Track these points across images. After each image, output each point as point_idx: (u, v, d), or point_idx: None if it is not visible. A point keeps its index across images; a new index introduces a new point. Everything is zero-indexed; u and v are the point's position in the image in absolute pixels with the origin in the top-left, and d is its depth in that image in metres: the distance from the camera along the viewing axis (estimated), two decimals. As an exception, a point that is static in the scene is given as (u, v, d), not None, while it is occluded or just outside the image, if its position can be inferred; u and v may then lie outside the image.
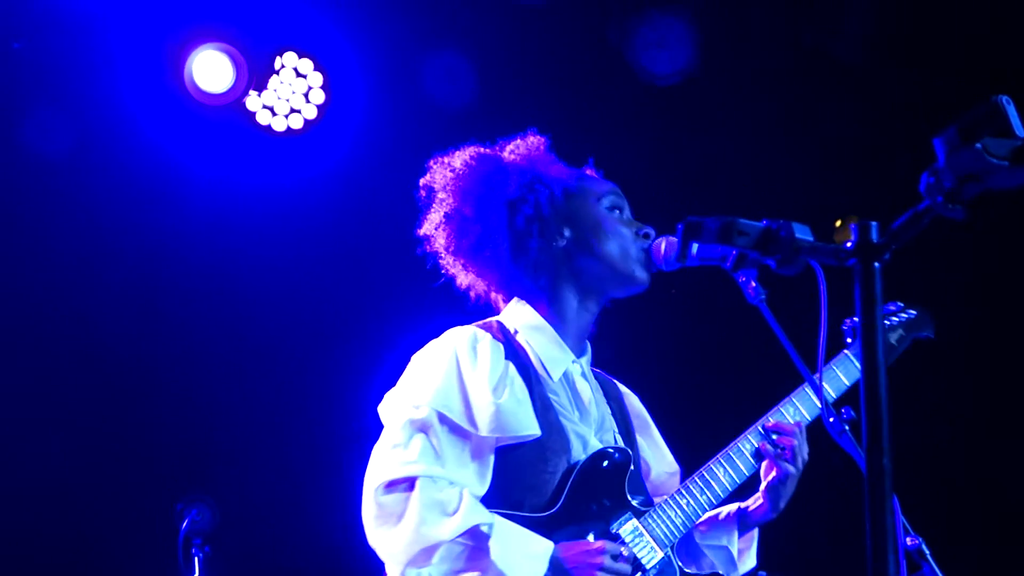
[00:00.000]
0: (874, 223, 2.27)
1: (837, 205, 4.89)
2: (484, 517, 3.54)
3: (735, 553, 4.04)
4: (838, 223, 2.36)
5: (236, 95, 7.08)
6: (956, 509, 6.78)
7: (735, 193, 6.98)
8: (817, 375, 3.32)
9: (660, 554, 3.79)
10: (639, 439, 4.07)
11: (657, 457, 4.14)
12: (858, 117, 7.12)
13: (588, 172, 4.04)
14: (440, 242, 3.94)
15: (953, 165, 2.16)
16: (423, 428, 3.60)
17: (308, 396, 7.14)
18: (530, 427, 3.68)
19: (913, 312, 4.35)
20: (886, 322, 4.27)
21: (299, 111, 7.25)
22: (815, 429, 3.73)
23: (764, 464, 3.90)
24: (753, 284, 3.56)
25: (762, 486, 3.93)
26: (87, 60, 6.84)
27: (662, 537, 3.81)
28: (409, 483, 3.52)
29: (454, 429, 3.62)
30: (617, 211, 3.94)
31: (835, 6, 7.23)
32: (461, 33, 7.34)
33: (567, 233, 3.89)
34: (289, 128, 7.23)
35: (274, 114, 7.21)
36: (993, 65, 6.67)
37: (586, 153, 4.10)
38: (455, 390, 3.65)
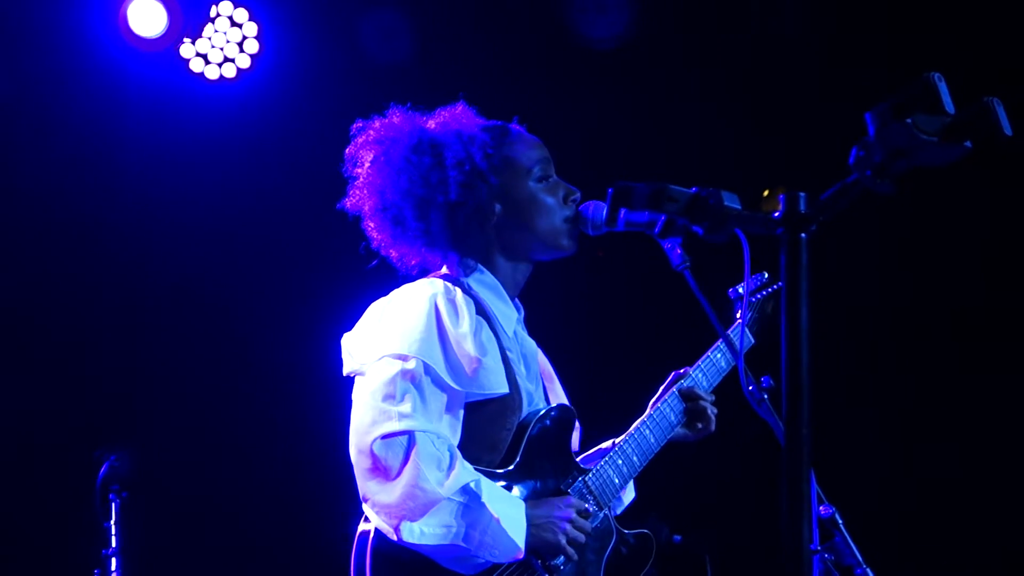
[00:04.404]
0: (802, 194, 2.29)
1: (769, 175, 4.92)
2: (473, 474, 3.58)
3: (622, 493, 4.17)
4: (765, 193, 2.38)
5: (170, 42, 7.03)
6: (870, 479, 6.85)
7: (666, 160, 7.00)
8: (738, 343, 3.37)
9: (601, 511, 3.88)
10: (549, 396, 4.11)
11: None
12: (792, 87, 7.15)
13: (513, 127, 4.02)
14: (367, 213, 3.93)
15: (883, 139, 2.19)
16: (413, 380, 3.60)
17: (231, 343, 7.11)
18: (502, 385, 3.73)
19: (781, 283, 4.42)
20: (761, 293, 4.43)
21: (233, 60, 7.21)
22: (732, 395, 3.77)
23: (685, 423, 4.15)
24: (678, 251, 3.59)
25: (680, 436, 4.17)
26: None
27: (603, 495, 3.90)
28: (408, 437, 3.52)
29: (436, 381, 3.64)
30: (545, 179, 3.96)
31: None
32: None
33: (497, 209, 3.91)
34: (222, 77, 7.19)
35: (207, 62, 7.17)
36: (928, 40, 6.71)
37: (520, 115, 4.09)
38: (438, 343, 3.66)
